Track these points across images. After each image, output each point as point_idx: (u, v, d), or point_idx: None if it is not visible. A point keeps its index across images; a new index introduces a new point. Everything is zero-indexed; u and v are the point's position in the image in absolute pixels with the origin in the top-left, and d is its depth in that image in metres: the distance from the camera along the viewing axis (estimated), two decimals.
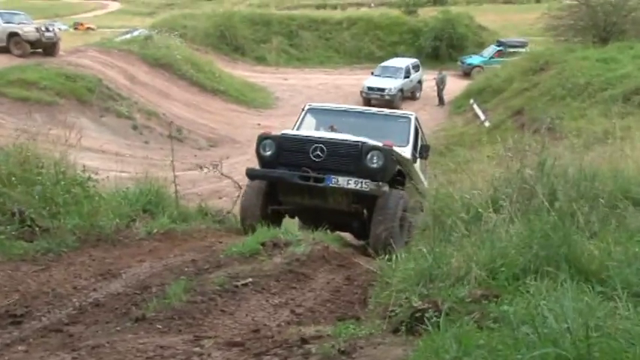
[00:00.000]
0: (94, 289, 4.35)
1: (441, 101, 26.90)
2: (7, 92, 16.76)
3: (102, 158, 13.55)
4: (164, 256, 5.52)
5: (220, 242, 6.31)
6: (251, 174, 7.24)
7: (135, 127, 19.04)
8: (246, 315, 4.05)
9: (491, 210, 3.97)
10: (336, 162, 6.83)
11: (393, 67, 27.68)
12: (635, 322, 2.47)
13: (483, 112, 22.97)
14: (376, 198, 6.85)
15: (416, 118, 8.66)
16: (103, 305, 4.05)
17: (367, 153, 6.79)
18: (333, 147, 6.89)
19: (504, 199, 4.03)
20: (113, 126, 18.49)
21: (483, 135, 15.39)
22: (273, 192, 7.44)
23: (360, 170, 6.74)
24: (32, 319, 3.67)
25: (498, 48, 32.03)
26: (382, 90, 25.54)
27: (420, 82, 28.12)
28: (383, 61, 30.25)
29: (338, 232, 7.96)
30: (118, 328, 3.58)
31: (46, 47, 22.22)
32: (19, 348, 3.14)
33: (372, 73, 27.63)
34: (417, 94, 27.86)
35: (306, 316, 4.02)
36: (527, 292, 2.82)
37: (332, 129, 8.07)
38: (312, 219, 7.69)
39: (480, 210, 3.89)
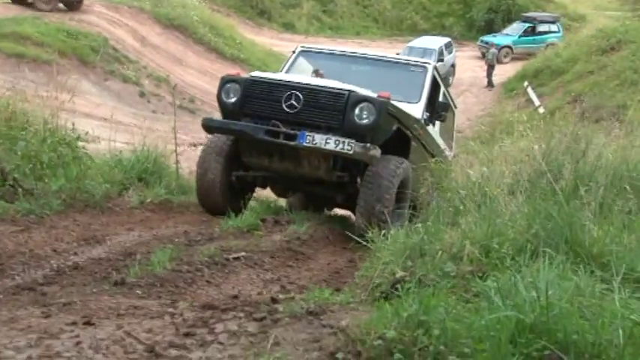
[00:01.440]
0: (75, 253, 4.70)
1: (490, 83, 26.81)
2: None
3: (103, 127, 13.94)
4: (155, 226, 5.90)
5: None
6: (208, 124, 6.53)
7: (142, 95, 19.45)
8: (233, 287, 4.36)
9: (501, 191, 4.21)
10: (314, 115, 6.11)
11: (423, 48, 25.84)
12: (622, 304, 2.70)
13: (539, 96, 22.89)
14: (366, 165, 6.23)
15: (435, 68, 7.81)
16: (82, 269, 4.39)
17: (355, 105, 6.03)
18: (312, 95, 6.14)
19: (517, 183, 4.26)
20: (118, 91, 18.90)
21: (536, 122, 15.39)
22: (238, 153, 6.74)
23: (344, 127, 6.03)
24: (5, 277, 4.01)
25: (528, 24, 31.15)
26: None
27: (453, 65, 26.82)
28: (428, 34, 30.16)
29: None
30: (95, 290, 3.91)
31: (69, 2, 21.85)
32: None
33: (398, 55, 26.48)
34: (450, 80, 26.03)
35: (295, 291, 4.30)
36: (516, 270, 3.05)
37: (317, 74, 7.36)
38: (287, 189, 7.39)
39: (486, 189, 4.12)
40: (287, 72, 7.80)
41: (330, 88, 6.22)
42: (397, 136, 6.52)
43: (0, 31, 17.73)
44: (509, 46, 30.45)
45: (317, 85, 6.29)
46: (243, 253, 5.06)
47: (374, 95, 6.16)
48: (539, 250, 3.33)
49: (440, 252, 3.43)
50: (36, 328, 2.70)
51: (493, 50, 27.25)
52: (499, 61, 28.10)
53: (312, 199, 8.05)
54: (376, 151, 6.03)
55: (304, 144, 5.87)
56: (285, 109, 6.09)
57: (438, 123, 8.02)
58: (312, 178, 6.50)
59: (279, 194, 7.91)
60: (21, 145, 5.61)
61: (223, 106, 6.51)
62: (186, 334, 2.63)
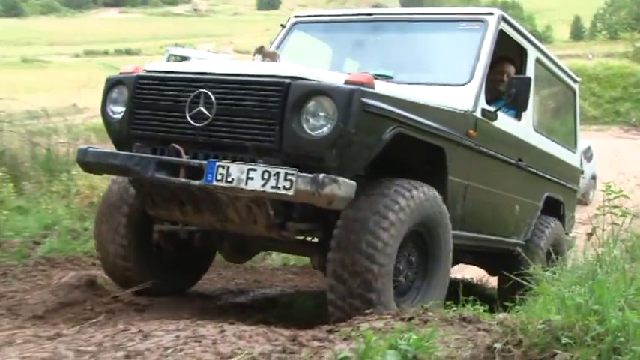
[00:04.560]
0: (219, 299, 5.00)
1: None
2: None
3: None
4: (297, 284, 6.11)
5: None
6: (82, 159, 4.24)
7: None
8: None
9: None
10: (235, 128, 3.68)
11: None
12: None
13: None
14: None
15: (504, 18, 4.95)
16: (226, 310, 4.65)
17: (301, 104, 3.53)
18: (229, 94, 3.72)
19: None
20: None
21: None
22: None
23: (283, 146, 3.55)
24: None
25: None
26: None
27: (594, 177, 22.37)
28: (598, 122, 29.20)
29: None
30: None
31: None
32: None
33: None
34: (590, 196, 21.28)
35: None
36: None
37: (263, 54, 4.58)
38: (239, 252, 4.75)
39: None
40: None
41: (257, 75, 3.73)
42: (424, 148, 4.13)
43: None
44: None
45: (237, 75, 3.80)
46: None
47: (338, 82, 3.58)
48: None
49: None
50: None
51: None
52: None
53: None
54: (345, 187, 3.40)
55: (213, 183, 3.51)
56: (191, 121, 3.74)
57: (534, 114, 5.58)
58: (266, 237, 4.09)
59: (231, 259, 5.02)
60: None
61: (107, 125, 4.29)
62: (330, 331, 2.71)
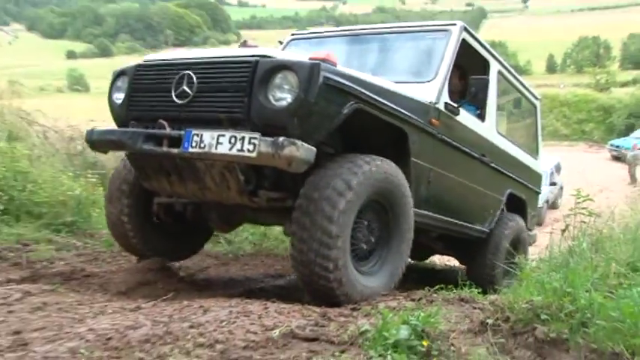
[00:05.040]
0: (262, 281, 4.99)
1: (633, 178, 24.86)
2: None
3: None
4: None
5: None
6: (89, 138, 4.02)
7: None
8: None
9: None
10: (212, 102, 3.44)
11: None
12: None
13: None
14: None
15: (464, 29, 4.68)
16: (267, 291, 4.64)
17: (267, 78, 3.26)
18: (208, 74, 3.48)
19: None
20: None
21: None
22: None
23: (251, 115, 3.26)
24: (209, 289, 4.34)
25: None
26: None
27: (561, 187, 21.75)
28: (568, 139, 28.91)
29: None
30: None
31: None
32: None
33: None
34: (559, 202, 21.13)
35: None
36: None
37: (244, 46, 4.44)
38: (224, 222, 4.27)
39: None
40: None
41: (231, 56, 3.54)
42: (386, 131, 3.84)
43: None
44: None
45: (215, 57, 3.61)
46: None
47: (301, 58, 3.35)
48: None
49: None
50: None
51: (636, 151, 25.31)
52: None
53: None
54: (303, 150, 3.11)
55: (189, 150, 3.29)
56: (176, 99, 3.52)
57: (497, 118, 5.27)
58: (232, 203, 3.70)
59: (218, 229, 4.56)
60: None
61: (112, 111, 4.08)
62: (354, 309, 2.70)
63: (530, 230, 6.20)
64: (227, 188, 3.44)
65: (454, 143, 4.45)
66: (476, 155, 4.84)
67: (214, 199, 3.67)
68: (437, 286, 3.04)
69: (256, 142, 3.03)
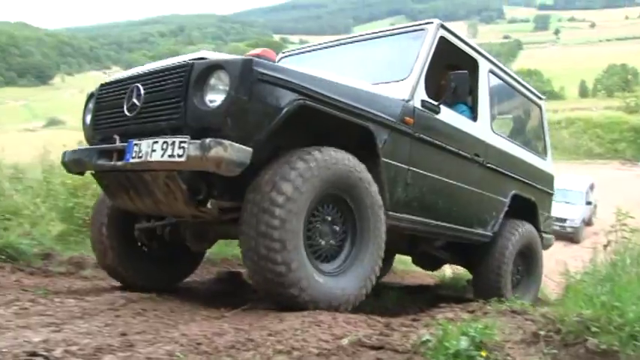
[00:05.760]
0: None
1: None
2: None
3: None
4: None
5: None
6: (62, 161, 3.58)
7: None
8: None
9: None
10: (156, 112, 3.00)
11: (572, 190, 19.04)
12: None
13: None
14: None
15: (442, 26, 4.05)
16: None
17: (202, 81, 2.84)
18: (152, 84, 3.08)
19: None
20: None
21: None
22: None
23: (186, 120, 2.83)
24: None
25: None
26: (563, 220, 17.39)
27: (595, 205, 20.50)
28: (602, 158, 27.70)
29: None
30: None
31: None
32: None
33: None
34: (592, 220, 20.22)
35: None
36: None
37: None
38: (199, 239, 3.58)
39: None
40: None
41: (173, 64, 3.06)
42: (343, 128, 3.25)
43: None
44: None
45: (160, 68, 3.12)
46: None
47: (234, 57, 2.93)
48: None
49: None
50: None
51: None
52: None
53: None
54: (233, 151, 2.63)
55: (130, 160, 2.91)
56: (127, 113, 3.14)
57: (489, 118, 4.56)
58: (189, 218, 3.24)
59: (194, 247, 3.67)
60: None
61: (84, 133, 3.64)
62: (414, 320, 2.64)
63: (546, 233, 5.43)
64: (174, 199, 2.96)
65: (436, 142, 3.83)
66: (467, 155, 4.18)
67: (169, 213, 3.24)
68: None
69: (185, 145, 2.62)
